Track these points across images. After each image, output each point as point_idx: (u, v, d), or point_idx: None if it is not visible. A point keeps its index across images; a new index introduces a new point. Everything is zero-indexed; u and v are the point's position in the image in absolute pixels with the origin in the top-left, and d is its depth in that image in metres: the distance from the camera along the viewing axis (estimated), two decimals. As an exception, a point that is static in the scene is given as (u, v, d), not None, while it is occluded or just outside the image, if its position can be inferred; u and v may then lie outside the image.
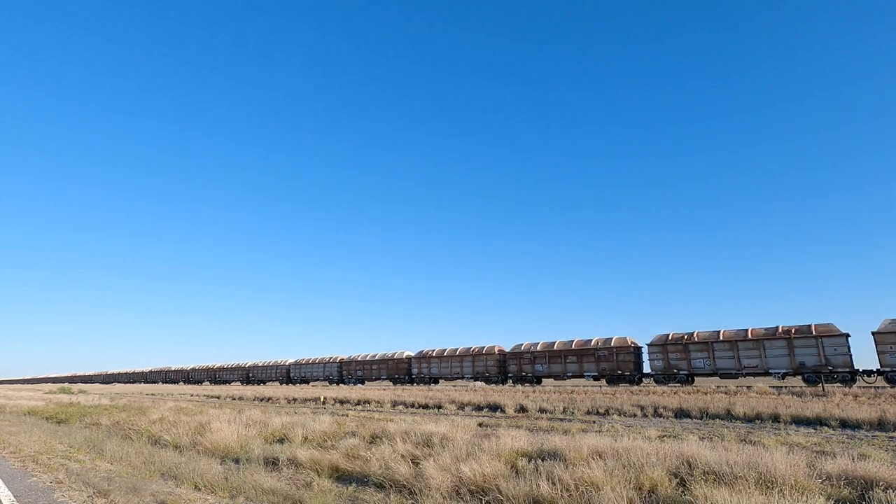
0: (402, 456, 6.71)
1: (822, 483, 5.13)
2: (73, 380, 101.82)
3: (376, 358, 45.34)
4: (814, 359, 24.07)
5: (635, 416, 14.44)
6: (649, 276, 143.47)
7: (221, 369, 63.81)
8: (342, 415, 15.66)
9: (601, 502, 4.53)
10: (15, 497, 5.77)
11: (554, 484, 4.98)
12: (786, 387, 22.66)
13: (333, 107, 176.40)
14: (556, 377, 33.04)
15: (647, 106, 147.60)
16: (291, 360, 54.58)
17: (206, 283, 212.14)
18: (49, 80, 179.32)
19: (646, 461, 5.70)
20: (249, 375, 58.54)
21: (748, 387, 20.67)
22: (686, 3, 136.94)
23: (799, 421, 12.02)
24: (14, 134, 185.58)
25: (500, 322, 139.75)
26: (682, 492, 4.89)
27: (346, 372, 47.38)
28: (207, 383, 63.53)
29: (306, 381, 51.19)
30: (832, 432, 10.39)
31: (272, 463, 7.33)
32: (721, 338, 26.89)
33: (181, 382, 70.11)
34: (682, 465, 5.81)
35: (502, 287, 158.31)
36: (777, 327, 25.85)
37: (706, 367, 26.98)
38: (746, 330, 26.65)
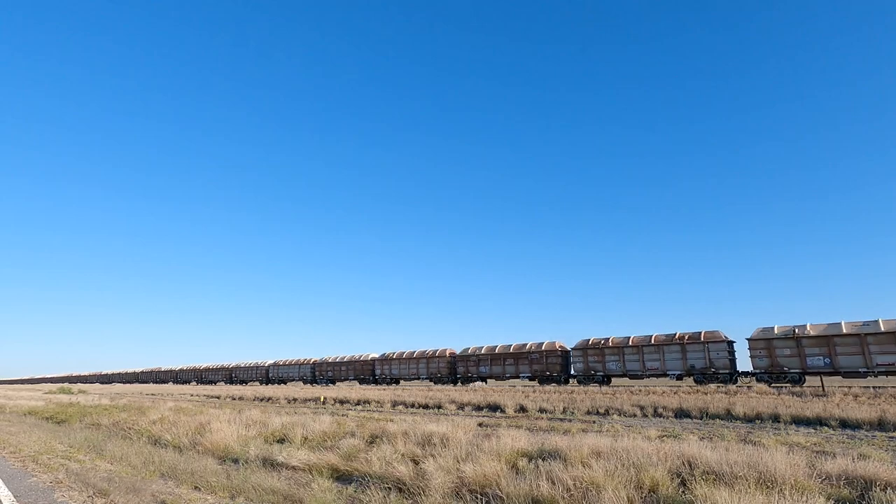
0: (403, 456, 6.71)
1: (822, 483, 5.13)
2: (72, 380, 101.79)
3: (345, 360, 47.83)
4: (701, 362, 26.89)
5: (635, 416, 14.43)
6: (649, 276, 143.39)
7: (207, 370, 65.82)
8: (342, 415, 15.66)
9: (602, 502, 4.53)
10: (15, 497, 5.76)
11: (554, 484, 4.98)
12: (680, 387, 24.26)
13: (333, 107, 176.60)
14: (497, 377, 35.95)
15: (647, 106, 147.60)
16: (270, 361, 56.85)
17: (206, 283, 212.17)
18: (49, 80, 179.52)
19: (646, 461, 5.70)
20: (232, 376, 60.29)
21: (651, 387, 21.28)
22: (686, 3, 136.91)
23: (799, 421, 12.02)
24: (14, 134, 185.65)
25: (501, 322, 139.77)
26: (683, 492, 4.89)
27: (318, 373, 49.75)
28: (194, 383, 64.57)
29: (283, 382, 53.14)
30: (832, 432, 10.39)
31: (272, 463, 7.32)
32: (630, 343, 29.46)
33: (170, 382, 70.79)
34: (683, 464, 5.81)
35: (502, 287, 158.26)
36: (675, 334, 28.36)
37: (618, 370, 29.56)
38: (650, 336, 29.16)
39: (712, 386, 24.63)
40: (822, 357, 24.56)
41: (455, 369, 38.83)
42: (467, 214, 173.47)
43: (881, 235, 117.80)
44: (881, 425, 10.89)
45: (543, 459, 6.23)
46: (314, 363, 50.89)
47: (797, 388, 21.36)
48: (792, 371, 24.54)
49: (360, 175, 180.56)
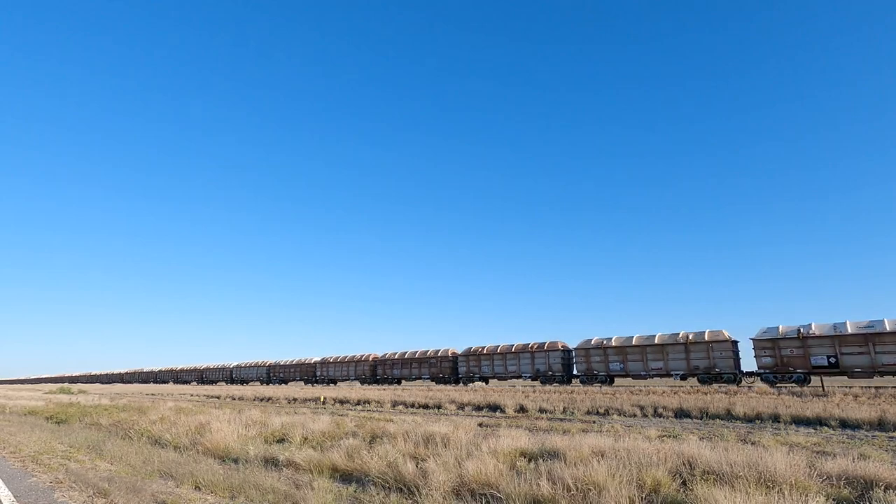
0: (404, 455, 6.71)
1: (822, 483, 5.13)
2: (73, 380, 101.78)
3: (346, 360, 48.19)
4: (705, 362, 26.74)
5: (635, 416, 14.43)
6: (651, 276, 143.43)
7: (208, 370, 66.38)
8: (342, 415, 15.66)
9: (603, 502, 4.53)
10: (15, 497, 5.76)
11: (555, 484, 4.98)
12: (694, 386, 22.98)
13: (333, 107, 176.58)
14: (499, 377, 36.08)
15: (647, 106, 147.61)
16: (271, 361, 57.24)
17: (206, 283, 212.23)
18: (49, 80, 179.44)
19: (646, 461, 5.70)
20: (233, 376, 60.72)
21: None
22: (686, 3, 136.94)
23: (799, 421, 12.02)
24: (14, 134, 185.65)
25: (502, 322, 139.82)
26: (683, 491, 4.90)
27: (320, 373, 50.11)
28: (195, 383, 64.88)
29: (284, 382, 53.47)
30: (832, 432, 10.39)
31: (272, 463, 7.33)
32: (633, 343, 29.32)
33: (171, 382, 71.08)
34: (683, 464, 5.82)
35: (503, 287, 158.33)
36: (678, 334, 28.22)
37: (621, 370, 29.61)
38: (654, 336, 29.22)
39: (715, 386, 24.67)
40: (826, 357, 24.52)
41: (457, 369, 38.88)
42: (467, 214, 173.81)
43: (882, 235, 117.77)
44: (881, 425, 10.89)
45: (543, 459, 6.23)
46: (315, 363, 50.92)
47: (797, 388, 21.37)
48: (797, 371, 24.34)
49: (360, 175, 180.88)
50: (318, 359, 51.39)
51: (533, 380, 33.91)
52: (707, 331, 27.23)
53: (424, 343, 44.50)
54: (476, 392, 24.22)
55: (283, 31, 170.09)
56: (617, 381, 31.68)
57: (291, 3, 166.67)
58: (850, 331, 24.25)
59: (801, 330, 25.52)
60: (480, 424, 12.20)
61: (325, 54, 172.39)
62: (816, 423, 11.69)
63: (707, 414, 13.65)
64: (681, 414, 14.25)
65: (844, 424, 11.30)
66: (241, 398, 28.36)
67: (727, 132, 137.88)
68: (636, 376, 29.02)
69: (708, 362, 26.43)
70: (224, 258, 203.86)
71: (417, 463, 6.24)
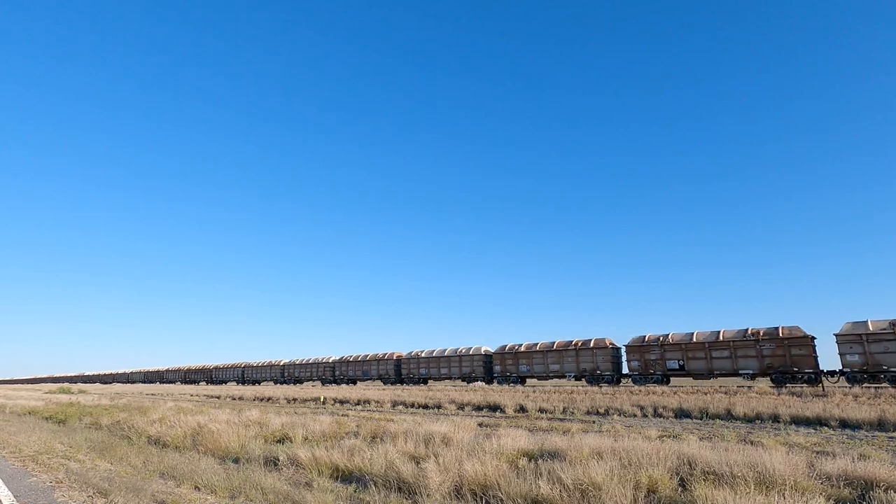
0: (404, 455, 6.72)
1: (822, 483, 5.13)
2: (73, 380, 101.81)
3: (368, 358, 47.35)
4: (780, 360, 24.86)
5: (635, 416, 14.44)
6: (649, 275, 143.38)
7: (217, 369, 65.97)
8: (342, 415, 15.67)
9: (602, 502, 4.53)
10: (15, 497, 5.76)
11: (555, 484, 4.99)
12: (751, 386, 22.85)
13: (334, 107, 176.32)
14: (539, 377, 34.46)
15: (647, 105, 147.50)
16: (286, 360, 56.60)
17: (206, 283, 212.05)
18: (49, 80, 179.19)
19: (646, 461, 5.71)
20: (244, 375, 60.45)
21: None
22: (686, 3, 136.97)
23: (799, 421, 12.03)
24: (14, 134, 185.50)
25: (503, 322, 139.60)
26: (683, 492, 4.90)
27: (339, 372, 49.00)
28: (204, 383, 64.49)
29: (299, 381, 52.79)
30: (832, 432, 10.39)
31: (272, 463, 7.33)
32: (694, 340, 28.10)
33: (178, 382, 70.85)
34: (683, 465, 5.82)
35: (502, 287, 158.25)
36: (747, 329, 26.43)
37: (679, 368, 28.26)
38: (719, 332, 27.32)
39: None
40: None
41: (490, 368, 36.81)
42: (467, 214, 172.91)
43: (882, 235, 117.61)
44: (881, 425, 10.89)
45: (544, 459, 6.23)
46: (334, 362, 49.19)
47: (797, 388, 21.38)
48: (892, 369, 22.68)
49: (359, 175, 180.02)
50: (336, 357, 49.61)
51: (577, 380, 31.76)
52: (781, 326, 25.35)
53: (431, 345, 43.57)
54: (476, 392, 24.23)
55: (283, 31, 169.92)
56: (674, 380, 29.69)
57: (291, 3, 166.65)
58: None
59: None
60: (480, 424, 12.21)
61: (325, 54, 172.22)
62: (816, 423, 11.70)
63: (707, 414, 13.66)
64: (681, 414, 14.26)
65: (844, 424, 11.31)
66: (240, 398, 28.37)
67: (727, 132, 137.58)
68: (697, 375, 27.10)
69: (784, 360, 24.58)
70: (224, 258, 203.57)
71: (418, 463, 6.25)
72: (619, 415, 14.59)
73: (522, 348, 35.12)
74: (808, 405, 13.51)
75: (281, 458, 7.32)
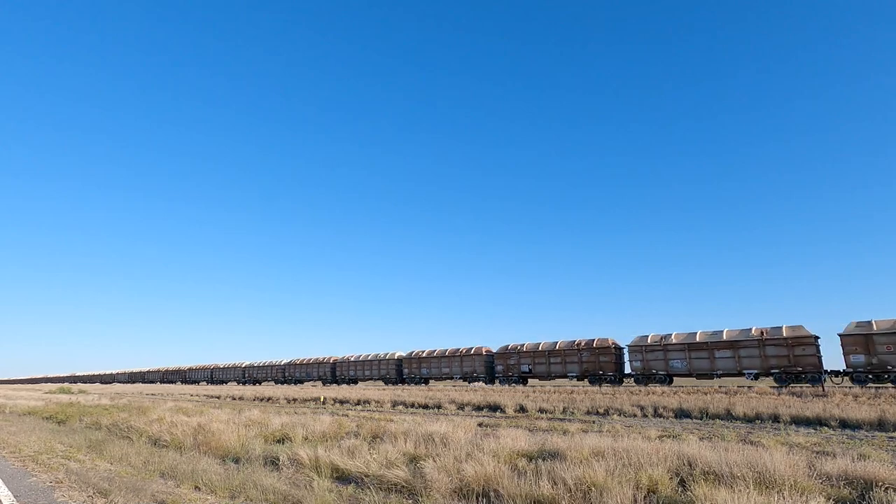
0: (404, 455, 6.72)
1: (822, 483, 5.13)
2: (73, 380, 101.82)
3: (368, 358, 47.42)
4: (784, 360, 24.96)
5: (635, 416, 14.45)
6: (650, 275, 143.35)
7: (217, 369, 66.01)
8: (342, 415, 15.67)
9: (604, 502, 4.53)
10: (15, 497, 5.76)
11: (555, 484, 4.99)
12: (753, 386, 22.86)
13: (334, 107, 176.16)
14: (541, 377, 34.39)
15: (647, 105, 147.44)
16: (286, 360, 56.61)
17: (206, 283, 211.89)
18: (49, 80, 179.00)
19: (646, 461, 5.71)
20: (245, 375, 60.50)
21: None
22: (686, 3, 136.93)
23: (799, 421, 12.03)
24: (14, 134, 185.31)
25: (504, 322, 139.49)
26: (683, 492, 4.90)
27: (340, 372, 49.15)
28: (205, 383, 64.61)
29: (300, 382, 52.83)
30: (832, 432, 10.40)
31: (272, 463, 7.33)
32: (697, 339, 28.01)
33: (178, 382, 70.96)
34: (683, 464, 5.82)
35: (503, 287, 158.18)
36: (750, 329, 26.47)
37: (683, 368, 28.10)
38: (722, 332, 27.37)
39: (715, 384, 24.55)
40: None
41: (492, 368, 36.85)
42: (467, 214, 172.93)
43: (881, 235, 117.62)
44: (881, 425, 10.90)
45: (544, 459, 6.24)
46: (335, 362, 49.16)
47: (797, 388, 21.39)
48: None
49: (359, 175, 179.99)
50: (337, 357, 49.58)
51: (579, 380, 31.96)
52: (784, 326, 25.28)
53: (431, 344, 43.39)
54: (476, 392, 24.24)
55: (283, 31, 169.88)
56: (677, 380, 29.67)
57: (291, 3, 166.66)
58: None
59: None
60: (480, 424, 12.21)
61: (324, 54, 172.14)
62: (816, 423, 11.70)
63: (707, 414, 13.66)
64: (681, 414, 14.27)
65: (844, 424, 11.31)
66: (240, 398, 28.38)
67: (727, 132, 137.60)
68: (701, 375, 27.10)
69: (788, 360, 24.56)
70: (224, 258, 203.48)
71: (418, 463, 6.25)
72: (619, 415, 14.60)
73: (524, 348, 35.21)
74: (808, 405, 13.52)
75: (281, 458, 7.32)
